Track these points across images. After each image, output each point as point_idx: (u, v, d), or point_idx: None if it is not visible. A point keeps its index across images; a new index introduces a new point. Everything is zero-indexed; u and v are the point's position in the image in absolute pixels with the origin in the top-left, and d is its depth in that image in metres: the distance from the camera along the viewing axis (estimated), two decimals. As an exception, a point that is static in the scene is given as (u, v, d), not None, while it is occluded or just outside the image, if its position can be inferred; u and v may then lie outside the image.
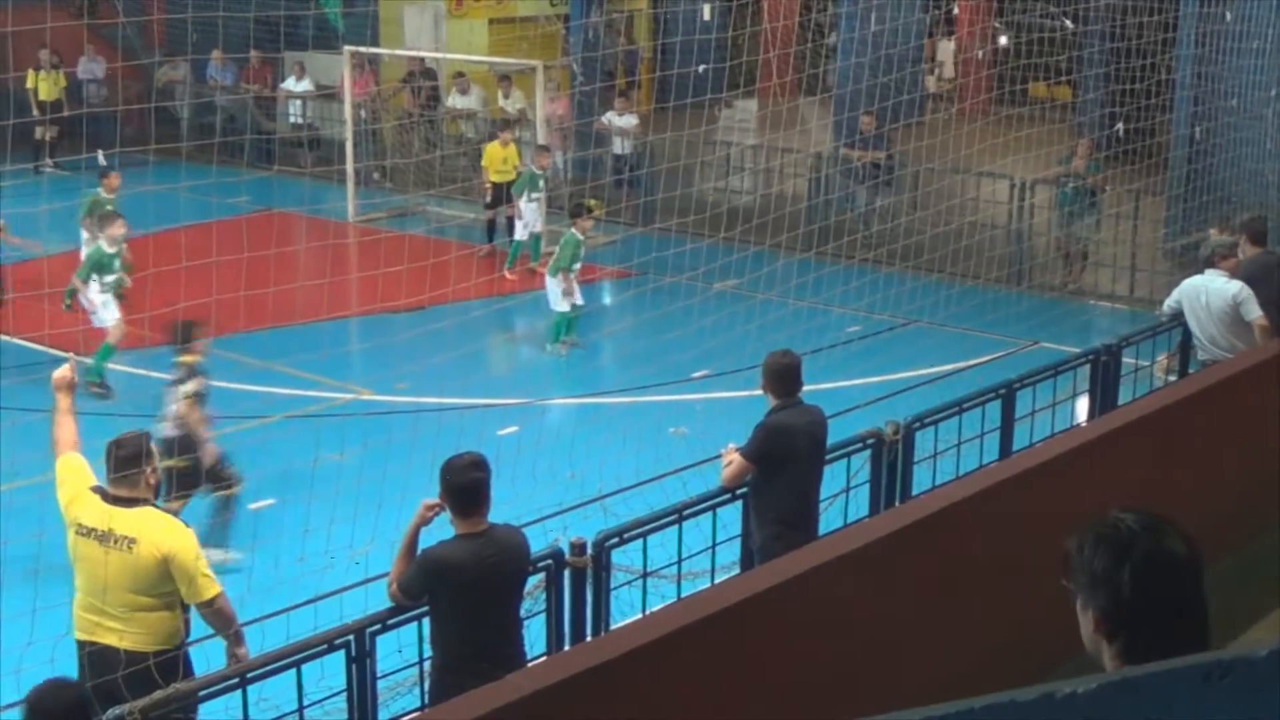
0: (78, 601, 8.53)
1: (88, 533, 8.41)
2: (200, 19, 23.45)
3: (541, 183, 22.83)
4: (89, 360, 16.99)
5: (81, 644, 8.52)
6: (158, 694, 7.57)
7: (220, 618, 8.58)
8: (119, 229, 18.30)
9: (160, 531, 8.41)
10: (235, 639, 8.63)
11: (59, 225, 21.88)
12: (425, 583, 7.94)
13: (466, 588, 7.85)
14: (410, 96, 29.06)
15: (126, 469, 8.49)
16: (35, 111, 29.11)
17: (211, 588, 8.46)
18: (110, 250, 18.29)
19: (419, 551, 8.10)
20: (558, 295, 19.19)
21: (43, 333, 17.49)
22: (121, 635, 8.40)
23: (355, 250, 23.26)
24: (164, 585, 8.40)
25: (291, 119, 30.41)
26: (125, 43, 29.39)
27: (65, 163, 27.54)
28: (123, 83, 30.44)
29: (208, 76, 31.30)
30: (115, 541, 8.35)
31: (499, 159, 23.90)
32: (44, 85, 30.07)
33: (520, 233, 22.81)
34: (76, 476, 8.67)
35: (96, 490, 8.56)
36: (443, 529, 8.20)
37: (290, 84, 30.27)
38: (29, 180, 25.82)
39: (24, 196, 23.72)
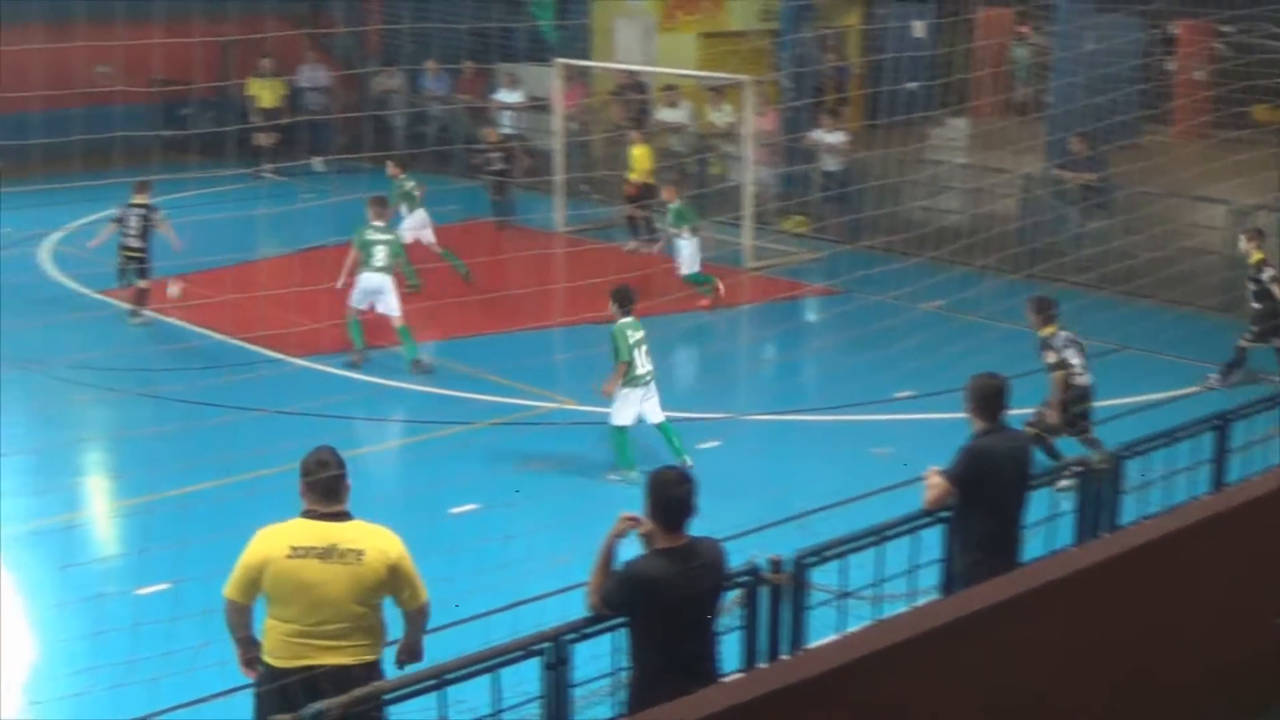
0: (283, 630, 8.45)
1: (305, 553, 8.33)
2: (416, 29, 23.85)
3: (670, 216, 22.23)
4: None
5: (289, 670, 8.42)
6: (358, 692, 7.69)
7: (425, 620, 8.68)
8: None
9: (383, 539, 8.44)
10: (417, 650, 8.69)
11: (276, 229, 22.45)
12: (626, 596, 7.95)
13: (667, 602, 7.86)
14: (620, 109, 29.22)
15: (337, 484, 8.48)
16: (255, 118, 29.78)
17: (425, 590, 8.58)
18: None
19: (619, 563, 8.12)
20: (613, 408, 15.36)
21: (257, 334, 17.91)
22: (347, 651, 8.43)
23: (562, 261, 23.42)
24: (382, 593, 8.46)
25: (503, 129, 30.77)
26: (343, 52, 30.03)
27: (283, 169, 28.19)
28: (340, 91, 31.17)
29: (422, 86, 31.78)
30: (340, 555, 8.33)
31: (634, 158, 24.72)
32: (265, 92, 30.74)
33: (683, 268, 21.96)
34: (256, 543, 8.56)
35: (304, 514, 8.53)
36: (637, 540, 8.20)
37: (502, 94, 30.63)
38: (248, 185, 26.53)
39: (244, 201, 24.34)
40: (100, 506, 14.64)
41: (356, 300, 18.48)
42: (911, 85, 20.78)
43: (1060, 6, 24.11)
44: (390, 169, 22.28)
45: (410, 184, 22.20)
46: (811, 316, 22.46)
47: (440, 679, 7.91)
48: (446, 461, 15.40)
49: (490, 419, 16.64)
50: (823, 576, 9.39)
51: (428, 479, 13.68)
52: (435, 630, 9.98)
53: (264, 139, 29.50)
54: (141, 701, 9.16)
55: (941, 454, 10.24)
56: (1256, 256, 18.03)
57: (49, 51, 10.87)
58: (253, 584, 8.41)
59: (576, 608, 8.56)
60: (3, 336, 17.90)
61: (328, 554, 8.33)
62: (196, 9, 12.44)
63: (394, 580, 8.44)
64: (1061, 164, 23.48)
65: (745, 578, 8.87)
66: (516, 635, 8.63)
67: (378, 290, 18.47)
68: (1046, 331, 14.88)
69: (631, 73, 29.53)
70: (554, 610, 9.76)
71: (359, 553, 8.35)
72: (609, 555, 8.21)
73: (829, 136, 25.86)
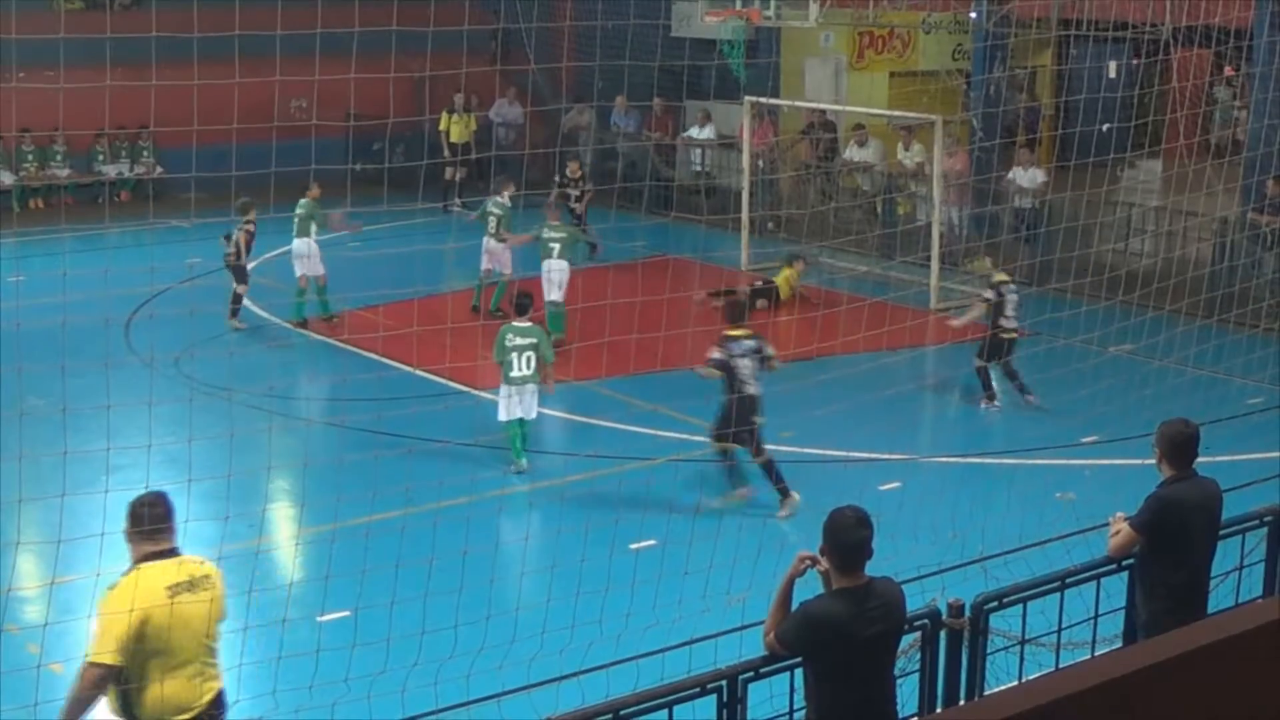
0: (182, 677, 8.36)
1: (178, 589, 8.33)
2: (607, 66, 24.02)
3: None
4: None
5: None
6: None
7: None
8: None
9: (208, 564, 8.63)
10: None
11: (464, 262, 22.73)
12: (802, 636, 7.90)
13: (844, 643, 7.79)
14: (808, 148, 29.19)
15: (169, 521, 8.49)
16: (446, 153, 30.23)
17: None
18: None
19: (796, 604, 8.07)
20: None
21: (443, 365, 18.14)
22: (218, 674, 8.58)
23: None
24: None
25: (692, 167, 30.87)
26: (534, 89, 30.35)
27: (472, 203, 28.56)
28: (530, 127, 31.52)
29: (611, 123, 32.01)
30: (199, 585, 8.42)
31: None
32: (455, 128, 31.22)
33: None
34: (123, 598, 8.32)
35: (144, 559, 8.42)
36: (815, 580, 8.15)
37: (693, 132, 30.75)
38: (438, 219, 26.93)
39: (433, 234, 24.70)
40: (285, 533, 14.90)
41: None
42: (1104, 126, 20.49)
43: (1258, 47, 23.65)
44: (313, 191, 22.18)
45: (312, 211, 22.22)
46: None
47: (615, 714, 7.93)
48: (627, 497, 15.45)
49: (670, 455, 16.67)
50: (1002, 622, 9.28)
51: (608, 513, 13.72)
52: (613, 664, 10.04)
53: (454, 173, 29.93)
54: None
55: (1127, 500, 10.07)
56: None
57: (246, 85, 11.08)
58: (134, 641, 8.18)
59: (753, 646, 8.53)
60: (195, 364, 18.34)
61: (193, 586, 8.41)
62: (391, 46, 12.72)
63: (221, 598, 8.59)
64: (1257, 207, 23.00)
65: (924, 621, 8.79)
66: (692, 672, 8.64)
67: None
68: (734, 333, 15.59)
69: (820, 111, 29.49)
70: (730, 649, 9.75)
71: (207, 578, 8.50)
72: (786, 595, 8.17)
73: (1024, 176, 25.58)
